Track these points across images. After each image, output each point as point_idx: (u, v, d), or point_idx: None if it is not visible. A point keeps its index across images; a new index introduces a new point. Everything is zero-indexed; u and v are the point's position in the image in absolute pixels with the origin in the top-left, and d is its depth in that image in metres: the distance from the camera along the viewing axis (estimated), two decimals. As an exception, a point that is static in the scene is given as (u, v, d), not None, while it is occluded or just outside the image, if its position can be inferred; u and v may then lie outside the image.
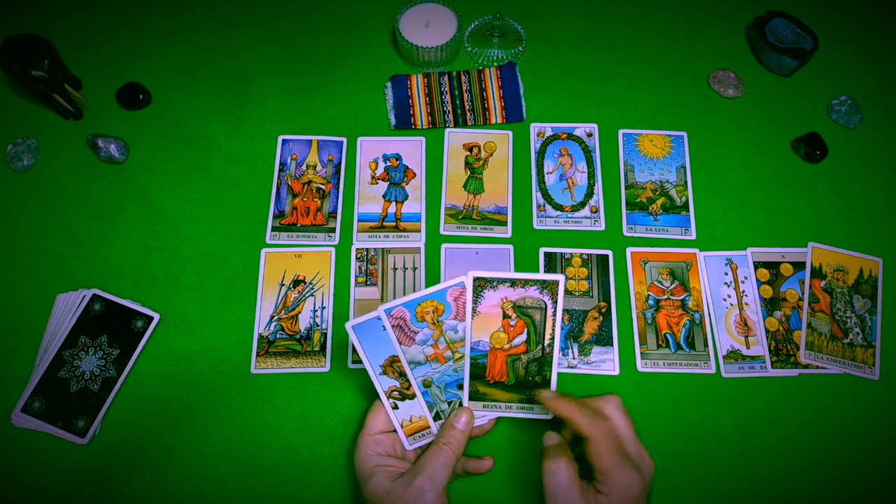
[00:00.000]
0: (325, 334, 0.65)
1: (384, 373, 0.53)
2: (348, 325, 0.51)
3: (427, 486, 0.49)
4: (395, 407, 0.53)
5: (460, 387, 0.53)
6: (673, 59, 0.80)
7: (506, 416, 0.54)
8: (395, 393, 0.53)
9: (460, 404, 0.54)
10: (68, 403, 0.60)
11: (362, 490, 0.51)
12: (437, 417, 0.54)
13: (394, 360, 0.52)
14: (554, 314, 0.51)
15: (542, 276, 0.50)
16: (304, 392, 0.63)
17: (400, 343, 0.51)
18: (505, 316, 0.51)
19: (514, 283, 0.50)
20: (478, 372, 0.53)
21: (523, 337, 0.52)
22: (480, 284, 0.50)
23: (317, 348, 0.64)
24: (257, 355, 0.64)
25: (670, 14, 0.83)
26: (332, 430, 0.61)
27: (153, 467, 0.59)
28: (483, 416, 0.54)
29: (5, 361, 0.63)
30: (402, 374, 0.53)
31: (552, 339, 0.51)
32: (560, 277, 0.50)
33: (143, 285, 0.67)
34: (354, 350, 0.64)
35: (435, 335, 0.52)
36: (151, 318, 0.64)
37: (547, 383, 0.52)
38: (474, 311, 0.51)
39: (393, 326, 0.51)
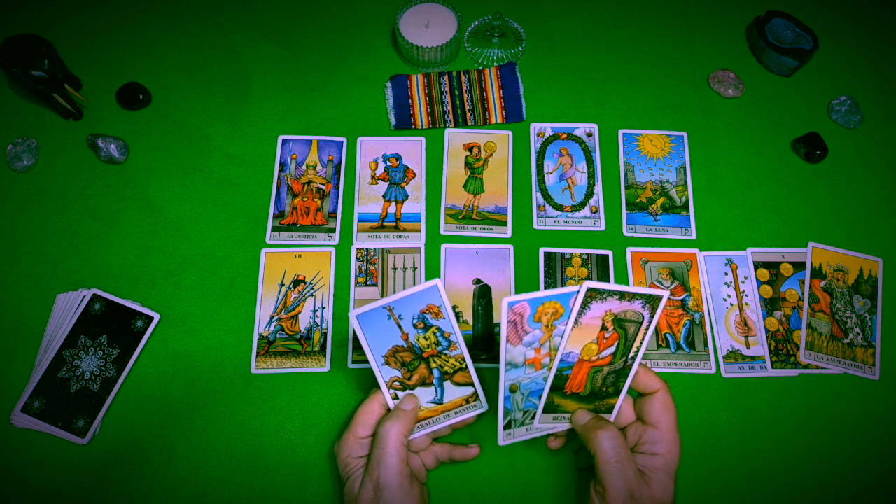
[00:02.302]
0: (325, 334, 0.65)
1: (386, 363, 0.52)
2: (352, 314, 0.49)
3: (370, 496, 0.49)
4: (395, 398, 0.53)
5: (541, 397, 0.52)
6: (673, 59, 0.80)
7: (568, 428, 0.54)
8: (397, 384, 0.52)
9: (533, 416, 0.53)
10: (68, 403, 0.60)
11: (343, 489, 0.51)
12: (507, 426, 0.52)
13: (397, 350, 0.51)
14: (647, 328, 0.50)
15: (648, 290, 0.48)
16: (304, 392, 0.63)
17: (507, 341, 0.49)
18: (602, 328, 0.50)
19: (622, 295, 0.48)
20: (559, 384, 0.51)
21: (612, 349, 0.50)
22: (591, 296, 0.48)
23: (317, 348, 0.64)
24: (257, 355, 0.64)
25: (670, 14, 0.83)
26: (332, 430, 0.61)
27: (153, 467, 0.59)
28: (547, 429, 0.53)
29: (5, 361, 0.63)
30: (405, 364, 0.52)
31: (637, 352, 0.50)
32: (665, 293, 0.49)
33: (143, 285, 0.67)
34: (355, 350, 0.64)
35: (542, 339, 0.50)
36: (151, 318, 0.64)
37: (618, 393, 0.52)
38: (577, 321, 0.49)
39: (508, 321, 0.48)
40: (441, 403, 0.54)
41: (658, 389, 0.51)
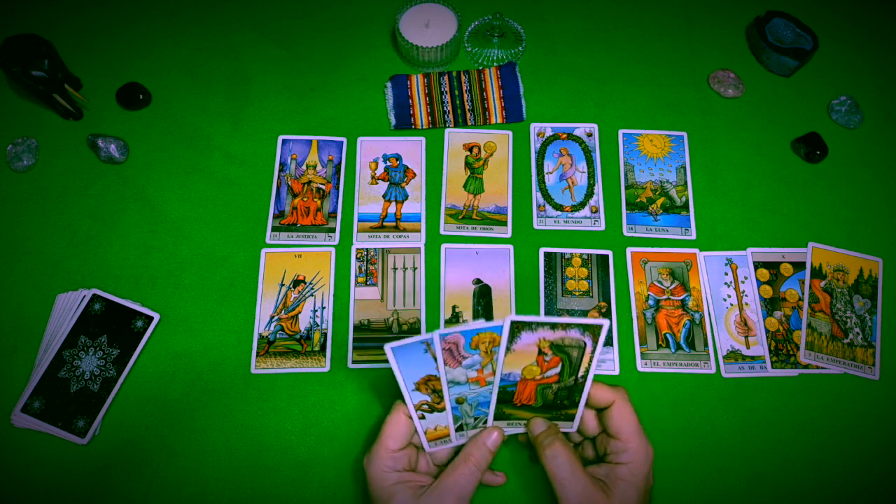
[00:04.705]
0: (325, 334, 0.65)
1: (417, 389, 0.51)
2: (387, 348, 0.49)
3: None
4: (423, 418, 0.52)
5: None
6: (673, 59, 0.80)
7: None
8: (425, 406, 0.52)
9: (485, 422, 0.53)
10: (68, 403, 0.60)
11: None
12: (459, 429, 0.53)
13: (429, 379, 0.51)
14: (592, 352, 0.49)
15: (584, 320, 0.48)
16: (304, 392, 0.63)
17: (445, 363, 0.49)
18: (540, 353, 0.49)
19: (554, 326, 0.48)
20: (505, 398, 0.51)
21: (556, 370, 0.50)
22: (518, 327, 0.48)
23: (317, 348, 0.64)
24: (257, 355, 0.64)
25: (670, 14, 0.83)
26: (332, 430, 0.61)
27: (153, 467, 0.59)
28: (512, 431, 0.53)
29: (5, 361, 0.63)
30: (436, 391, 0.51)
31: (587, 371, 0.50)
32: (605, 322, 0.48)
33: (143, 285, 0.67)
34: (355, 349, 0.64)
35: (483, 363, 0.50)
36: (151, 318, 0.64)
37: (575, 405, 0.51)
38: (509, 349, 0.49)
39: (443, 349, 0.49)
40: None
41: (612, 402, 0.50)
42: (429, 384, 0.51)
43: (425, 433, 0.53)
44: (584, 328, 0.48)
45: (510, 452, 0.60)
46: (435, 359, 0.50)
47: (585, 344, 0.49)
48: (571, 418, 0.52)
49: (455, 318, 0.66)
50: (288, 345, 0.64)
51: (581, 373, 0.50)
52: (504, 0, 0.83)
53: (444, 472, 0.50)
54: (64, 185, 0.71)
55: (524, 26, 0.81)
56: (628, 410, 0.50)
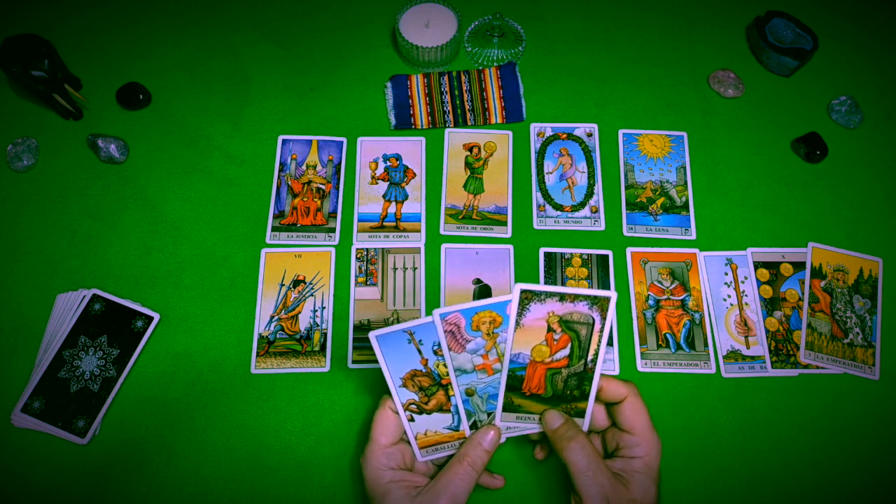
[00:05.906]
0: (325, 334, 0.65)
1: (404, 385, 0.51)
2: (372, 335, 0.49)
3: None
4: (411, 419, 0.52)
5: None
6: (673, 59, 0.80)
7: (539, 431, 0.53)
8: (413, 406, 0.52)
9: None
10: (68, 403, 0.60)
11: None
12: (473, 426, 0.53)
13: (415, 374, 0.51)
14: (601, 331, 0.49)
15: (593, 291, 0.48)
16: (304, 392, 0.63)
17: (449, 349, 0.50)
18: (549, 329, 0.49)
19: (563, 297, 0.48)
20: (514, 384, 0.51)
21: (566, 351, 0.50)
22: (528, 297, 0.48)
23: (317, 348, 0.64)
24: (257, 355, 0.64)
25: (670, 14, 0.83)
26: (332, 430, 0.61)
27: (153, 467, 0.59)
28: (514, 428, 0.53)
29: (5, 361, 0.63)
30: (422, 389, 0.51)
31: (596, 354, 0.50)
32: (612, 294, 0.48)
33: (143, 285, 0.67)
34: (355, 349, 0.64)
35: (487, 346, 0.50)
36: (151, 318, 0.64)
37: (585, 397, 0.51)
38: (518, 323, 0.49)
39: (445, 332, 0.49)
40: (458, 430, 0.53)
41: (625, 396, 0.50)
42: (415, 380, 0.51)
43: (416, 438, 0.52)
44: (593, 301, 0.49)
45: (513, 451, 0.60)
46: (419, 351, 0.50)
47: (594, 320, 0.49)
48: (581, 414, 0.52)
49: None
50: (288, 345, 0.64)
51: (590, 356, 0.50)
52: (504, 0, 0.83)
53: (440, 473, 0.50)
54: (64, 185, 0.71)
55: (524, 26, 0.81)
56: (640, 405, 0.50)
